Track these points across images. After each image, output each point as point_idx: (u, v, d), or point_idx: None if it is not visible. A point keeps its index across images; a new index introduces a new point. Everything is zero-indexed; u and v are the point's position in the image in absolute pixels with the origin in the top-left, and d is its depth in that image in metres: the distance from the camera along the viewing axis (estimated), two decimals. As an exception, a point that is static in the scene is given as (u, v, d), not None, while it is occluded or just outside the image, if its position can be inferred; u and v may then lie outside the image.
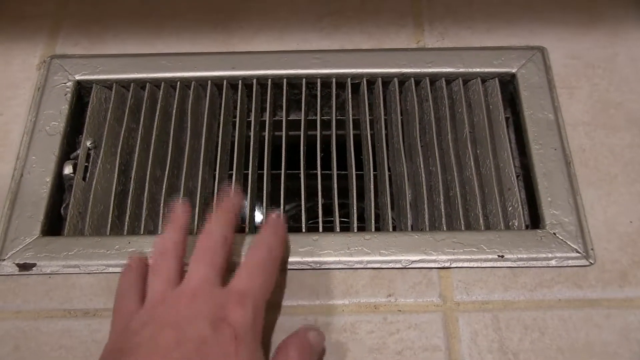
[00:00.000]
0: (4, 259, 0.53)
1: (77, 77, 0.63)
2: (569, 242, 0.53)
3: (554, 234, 0.53)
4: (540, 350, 0.48)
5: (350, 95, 0.63)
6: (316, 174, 0.60)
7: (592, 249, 0.53)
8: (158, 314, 0.43)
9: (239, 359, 0.41)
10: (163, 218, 0.57)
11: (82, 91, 0.64)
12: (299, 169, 0.60)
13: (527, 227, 0.56)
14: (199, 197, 0.58)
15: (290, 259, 0.52)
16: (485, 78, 0.63)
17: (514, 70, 0.62)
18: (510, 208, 0.57)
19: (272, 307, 0.50)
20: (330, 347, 0.49)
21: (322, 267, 0.52)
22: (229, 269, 0.48)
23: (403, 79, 0.64)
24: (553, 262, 0.52)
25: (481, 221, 0.56)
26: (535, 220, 0.56)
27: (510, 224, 0.56)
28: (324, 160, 0.61)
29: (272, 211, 0.52)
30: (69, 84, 0.63)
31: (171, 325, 0.42)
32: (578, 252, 0.53)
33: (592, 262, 0.52)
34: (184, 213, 0.50)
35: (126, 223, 0.57)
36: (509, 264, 0.52)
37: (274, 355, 0.45)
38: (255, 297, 0.45)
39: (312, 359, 0.46)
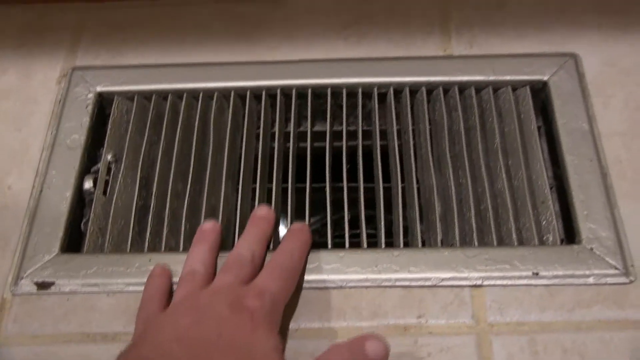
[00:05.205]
0: (23, 277, 0.52)
1: (99, 89, 0.62)
2: (607, 258, 0.50)
3: (591, 249, 0.51)
4: (580, 374, 0.46)
5: (377, 105, 0.61)
6: (342, 187, 0.58)
7: (632, 266, 0.50)
8: (179, 308, 0.45)
9: (255, 336, 0.42)
10: (184, 235, 0.55)
11: (103, 103, 0.62)
12: (325, 182, 0.58)
13: (562, 241, 0.54)
14: (222, 213, 0.57)
15: (316, 277, 0.50)
16: (516, 86, 0.61)
17: (545, 78, 0.60)
18: (544, 222, 0.55)
19: (297, 329, 0.49)
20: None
21: (349, 285, 0.50)
22: None
23: (431, 87, 0.62)
24: (591, 280, 0.50)
25: (514, 236, 0.54)
26: (570, 235, 0.54)
27: (544, 238, 0.54)
28: (349, 172, 0.59)
29: (297, 222, 0.52)
30: (90, 95, 0.62)
31: (192, 310, 0.44)
32: (617, 268, 0.50)
33: (632, 279, 0.50)
34: (212, 232, 0.52)
35: (147, 239, 0.55)
36: (544, 281, 0.50)
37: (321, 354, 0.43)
38: (273, 295, 0.45)
39: None
